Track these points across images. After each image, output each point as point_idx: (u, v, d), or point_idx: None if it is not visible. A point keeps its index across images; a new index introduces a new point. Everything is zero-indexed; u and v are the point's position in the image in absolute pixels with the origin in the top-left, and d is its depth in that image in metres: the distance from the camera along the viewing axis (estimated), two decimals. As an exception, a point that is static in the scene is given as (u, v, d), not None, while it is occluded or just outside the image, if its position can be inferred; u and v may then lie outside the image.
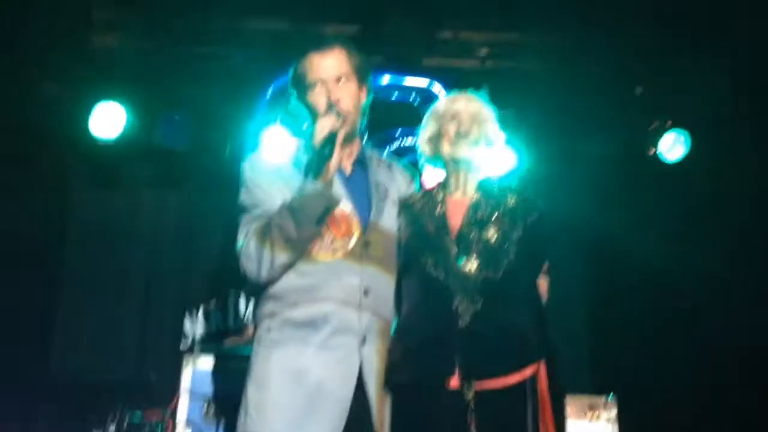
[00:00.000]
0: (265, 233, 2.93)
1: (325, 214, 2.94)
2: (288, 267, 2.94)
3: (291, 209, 2.91)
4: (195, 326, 4.84)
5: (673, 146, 5.33)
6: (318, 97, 3.05)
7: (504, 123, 3.20)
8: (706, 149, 5.27)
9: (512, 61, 5.32)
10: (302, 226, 2.90)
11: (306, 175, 2.96)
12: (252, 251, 2.93)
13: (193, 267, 5.44)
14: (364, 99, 3.15)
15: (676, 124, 5.30)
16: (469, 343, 2.91)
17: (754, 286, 4.91)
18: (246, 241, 2.97)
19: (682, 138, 5.31)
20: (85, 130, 4.95)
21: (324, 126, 2.95)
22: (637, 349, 5.32)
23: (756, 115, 5.12)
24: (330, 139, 2.93)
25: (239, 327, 4.68)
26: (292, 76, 3.13)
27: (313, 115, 3.06)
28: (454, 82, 4.99)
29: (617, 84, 5.29)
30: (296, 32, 5.03)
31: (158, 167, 5.46)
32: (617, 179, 5.49)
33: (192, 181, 5.50)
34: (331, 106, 3.01)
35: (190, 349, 4.55)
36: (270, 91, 5.06)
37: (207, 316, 4.87)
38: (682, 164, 5.31)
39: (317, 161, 2.92)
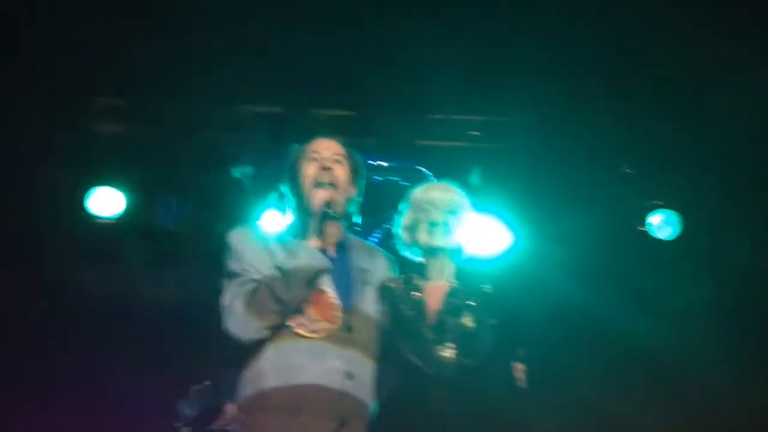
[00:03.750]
0: (254, 294, 2.98)
1: (316, 276, 3.01)
2: (270, 329, 2.98)
3: (282, 270, 2.98)
4: (186, 407, 4.88)
5: (663, 225, 5.39)
6: (313, 167, 3.18)
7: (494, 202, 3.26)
8: (696, 228, 5.33)
9: (502, 142, 5.43)
10: (293, 286, 2.95)
11: (302, 237, 3.05)
12: (239, 311, 2.98)
13: (188, 345, 5.48)
14: (353, 192, 3.26)
15: (666, 204, 5.37)
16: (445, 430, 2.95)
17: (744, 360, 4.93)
18: (232, 301, 3.02)
19: (672, 218, 5.38)
20: (85, 210, 5.09)
21: (321, 195, 3.10)
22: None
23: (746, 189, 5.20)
24: (329, 204, 3.07)
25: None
26: (293, 152, 3.26)
27: (307, 185, 3.16)
28: (446, 163, 5.11)
29: (604, 161, 5.38)
30: (291, 117, 5.18)
31: (157, 246, 5.56)
32: (608, 255, 5.53)
33: (189, 261, 5.58)
34: (325, 179, 3.14)
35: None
36: (265, 173, 5.18)
37: (200, 396, 4.91)
38: (674, 241, 5.36)
39: (318, 224, 3.05)
